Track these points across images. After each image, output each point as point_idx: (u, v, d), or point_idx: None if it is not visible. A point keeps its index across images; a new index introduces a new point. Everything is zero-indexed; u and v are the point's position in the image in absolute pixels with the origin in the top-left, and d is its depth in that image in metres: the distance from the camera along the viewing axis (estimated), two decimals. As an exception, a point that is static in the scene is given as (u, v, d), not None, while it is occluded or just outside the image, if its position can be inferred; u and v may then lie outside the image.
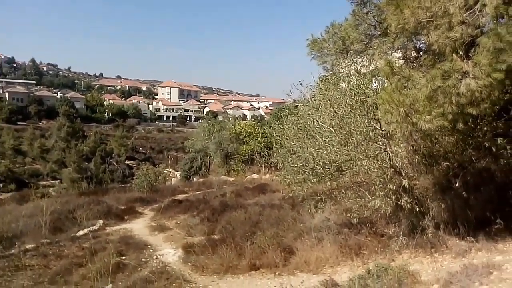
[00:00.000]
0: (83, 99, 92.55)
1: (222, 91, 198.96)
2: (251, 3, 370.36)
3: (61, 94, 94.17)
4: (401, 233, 7.02)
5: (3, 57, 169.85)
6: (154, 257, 8.48)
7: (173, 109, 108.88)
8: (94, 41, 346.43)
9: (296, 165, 7.27)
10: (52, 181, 44.55)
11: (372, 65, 6.92)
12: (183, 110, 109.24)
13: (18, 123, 68.03)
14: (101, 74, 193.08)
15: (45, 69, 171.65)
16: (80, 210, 11.97)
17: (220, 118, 58.11)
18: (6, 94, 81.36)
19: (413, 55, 6.76)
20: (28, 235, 9.46)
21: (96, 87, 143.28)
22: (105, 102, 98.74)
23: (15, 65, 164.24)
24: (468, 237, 6.25)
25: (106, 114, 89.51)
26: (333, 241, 7.33)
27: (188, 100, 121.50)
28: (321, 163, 6.69)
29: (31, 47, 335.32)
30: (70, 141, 55.98)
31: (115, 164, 52.24)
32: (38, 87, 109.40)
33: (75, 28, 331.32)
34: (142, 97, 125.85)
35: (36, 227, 9.88)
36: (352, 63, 7.15)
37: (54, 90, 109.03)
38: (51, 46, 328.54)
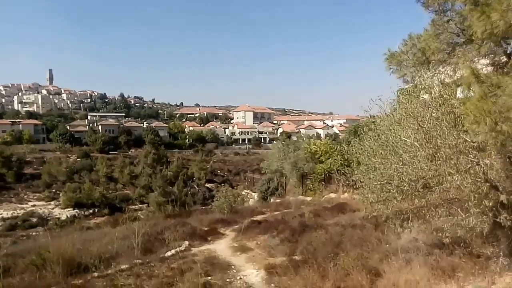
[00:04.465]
0: (166, 128, 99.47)
1: (295, 111, 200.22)
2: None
3: (147, 124, 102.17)
4: (501, 253, 6.38)
5: (96, 93, 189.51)
6: (238, 278, 8.60)
7: (248, 132, 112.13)
8: (175, 73, 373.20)
9: (379, 183, 7.00)
10: (140, 205, 47.72)
11: (456, 74, 6.53)
12: (257, 132, 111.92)
13: (110, 152, 75.09)
14: (182, 103, 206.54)
15: (132, 102, 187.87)
16: (167, 231, 12.62)
17: (294, 138, 58.21)
18: (100, 127, 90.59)
19: (502, 60, 6.25)
20: (123, 256, 10.11)
21: (177, 115, 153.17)
22: (185, 129, 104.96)
23: (106, 100, 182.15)
24: None
25: (187, 140, 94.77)
26: (423, 262, 6.86)
27: (262, 123, 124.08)
28: (406, 180, 6.37)
29: (120, 82, 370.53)
30: (156, 167, 59.97)
31: (196, 187, 54.56)
32: (126, 118, 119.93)
33: (158, 62, 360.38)
34: (219, 122, 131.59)
35: (129, 249, 10.55)
36: (435, 73, 6.80)
37: (140, 121, 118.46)
38: (137, 81, 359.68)
